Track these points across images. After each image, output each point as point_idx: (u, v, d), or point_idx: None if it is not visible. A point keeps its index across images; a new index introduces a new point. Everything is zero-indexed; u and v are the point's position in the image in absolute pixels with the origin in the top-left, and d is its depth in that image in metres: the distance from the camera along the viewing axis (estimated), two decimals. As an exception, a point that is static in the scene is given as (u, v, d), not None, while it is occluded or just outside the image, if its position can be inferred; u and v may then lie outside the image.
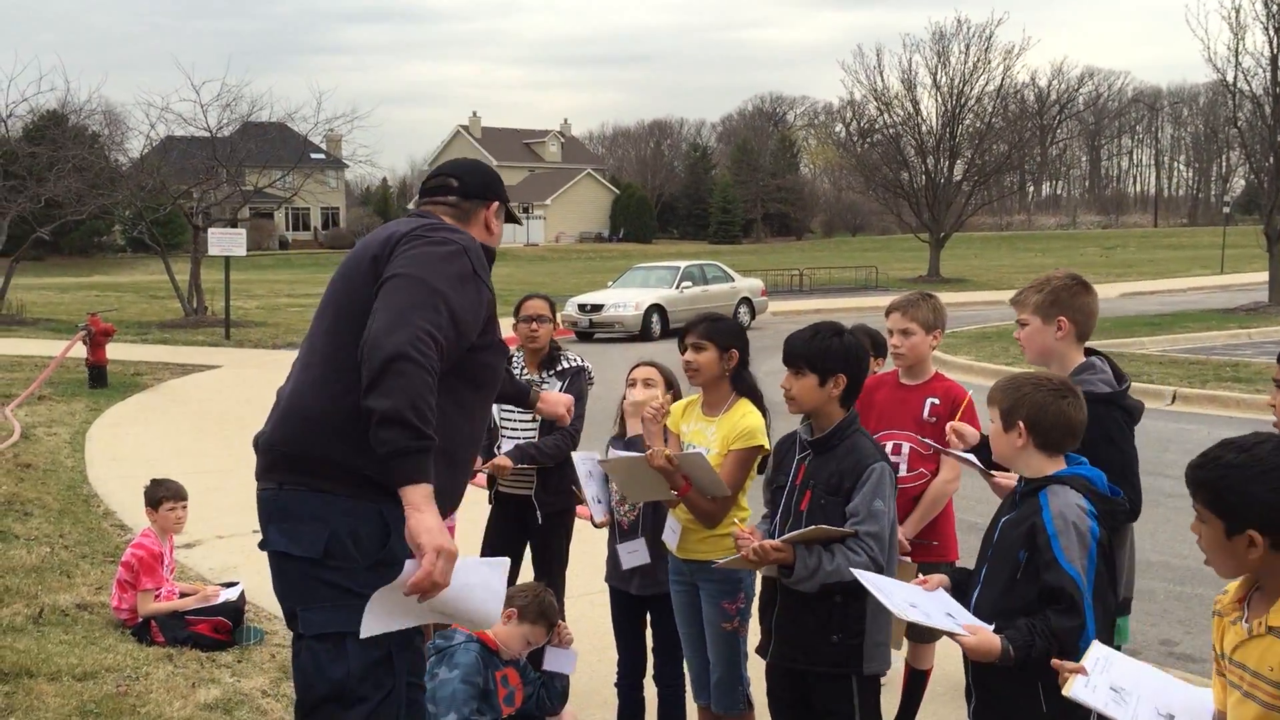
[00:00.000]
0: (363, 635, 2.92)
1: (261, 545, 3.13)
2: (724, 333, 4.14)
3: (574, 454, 4.81)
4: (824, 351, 3.58)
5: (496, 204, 3.43)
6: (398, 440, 2.73)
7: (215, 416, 13.80)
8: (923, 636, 4.74)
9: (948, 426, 3.96)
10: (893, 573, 3.50)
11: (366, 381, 2.78)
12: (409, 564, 2.83)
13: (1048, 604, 2.97)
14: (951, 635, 3.02)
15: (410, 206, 5.06)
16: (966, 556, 3.99)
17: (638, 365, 4.59)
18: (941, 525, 4.64)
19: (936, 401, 4.58)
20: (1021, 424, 3.16)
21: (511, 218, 3.54)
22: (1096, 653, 2.74)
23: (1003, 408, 3.19)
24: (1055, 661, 2.72)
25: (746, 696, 4.19)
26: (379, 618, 2.92)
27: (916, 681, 4.78)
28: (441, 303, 2.91)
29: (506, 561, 3.31)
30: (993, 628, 3.00)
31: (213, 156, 27.20)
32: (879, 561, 3.44)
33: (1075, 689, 2.62)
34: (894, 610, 3.09)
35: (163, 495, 6.29)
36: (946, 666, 5.50)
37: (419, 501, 2.75)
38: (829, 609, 3.52)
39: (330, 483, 2.92)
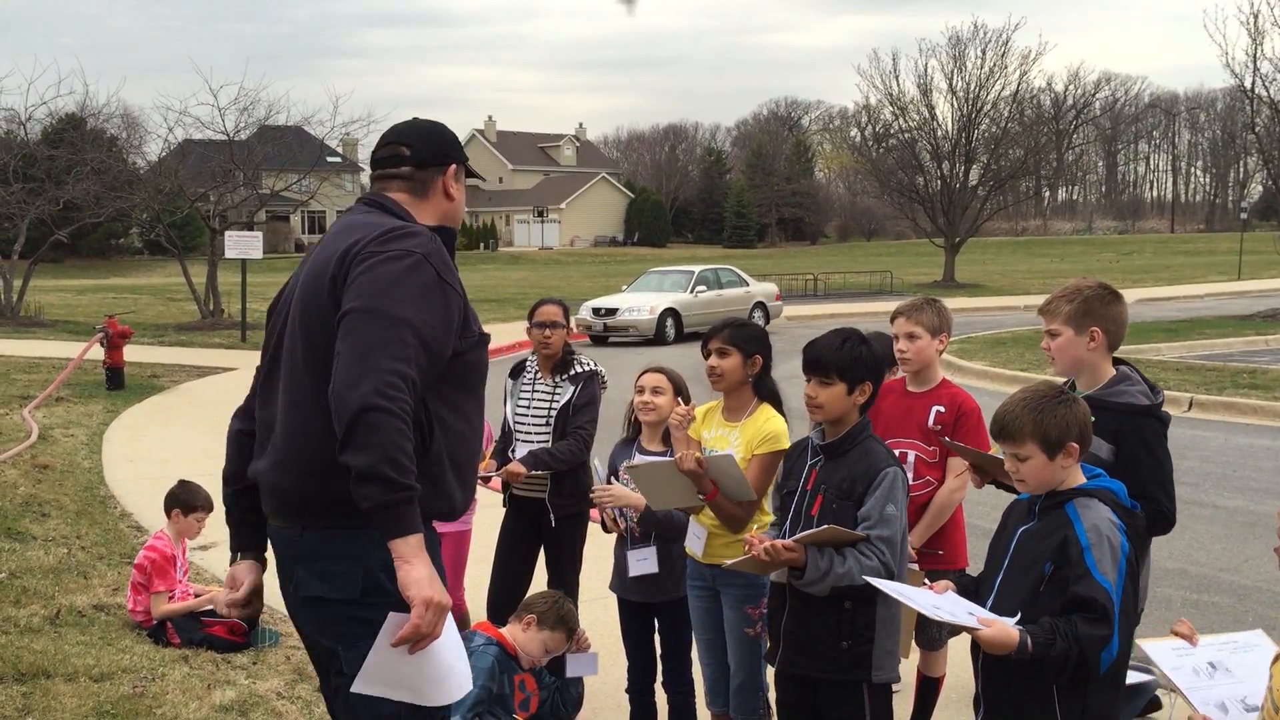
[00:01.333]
0: (354, 689, 2.82)
1: (295, 589, 3.02)
2: (748, 339, 4.14)
3: (594, 459, 4.81)
4: (854, 360, 3.58)
5: (454, 166, 3.18)
6: (378, 496, 2.64)
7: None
8: (933, 644, 4.73)
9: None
10: (902, 578, 3.49)
11: (339, 436, 2.67)
12: (392, 616, 2.75)
13: (1076, 612, 2.95)
14: (968, 629, 3.01)
15: (365, 181, 4.96)
16: (976, 563, 3.97)
17: (646, 372, 4.58)
18: (950, 533, 4.61)
19: (942, 409, 4.55)
20: (1074, 445, 3.11)
21: (471, 174, 3.31)
22: (1248, 637, 2.76)
23: (1049, 436, 3.08)
24: (1181, 620, 2.72)
25: (766, 702, 4.19)
26: (373, 678, 2.81)
27: (929, 689, 4.77)
28: (408, 333, 2.75)
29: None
30: (1013, 620, 2.99)
31: (230, 160, 27.30)
32: (890, 566, 3.42)
33: (1154, 645, 2.64)
34: (920, 609, 3.09)
35: (198, 505, 6.29)
36: (960, 675, 5.49)
37: (407, 554, 2.66)
38: (838, 615, 3.50)
39: (350, 519, 2.79)
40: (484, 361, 3.07)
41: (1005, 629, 2.94)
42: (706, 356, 4.15)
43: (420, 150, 3.15)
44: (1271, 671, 2.52)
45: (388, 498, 2.63)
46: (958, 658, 4.89)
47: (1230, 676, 2.63)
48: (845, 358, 3.57)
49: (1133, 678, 3.87)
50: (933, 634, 4.70)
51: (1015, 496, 3.51)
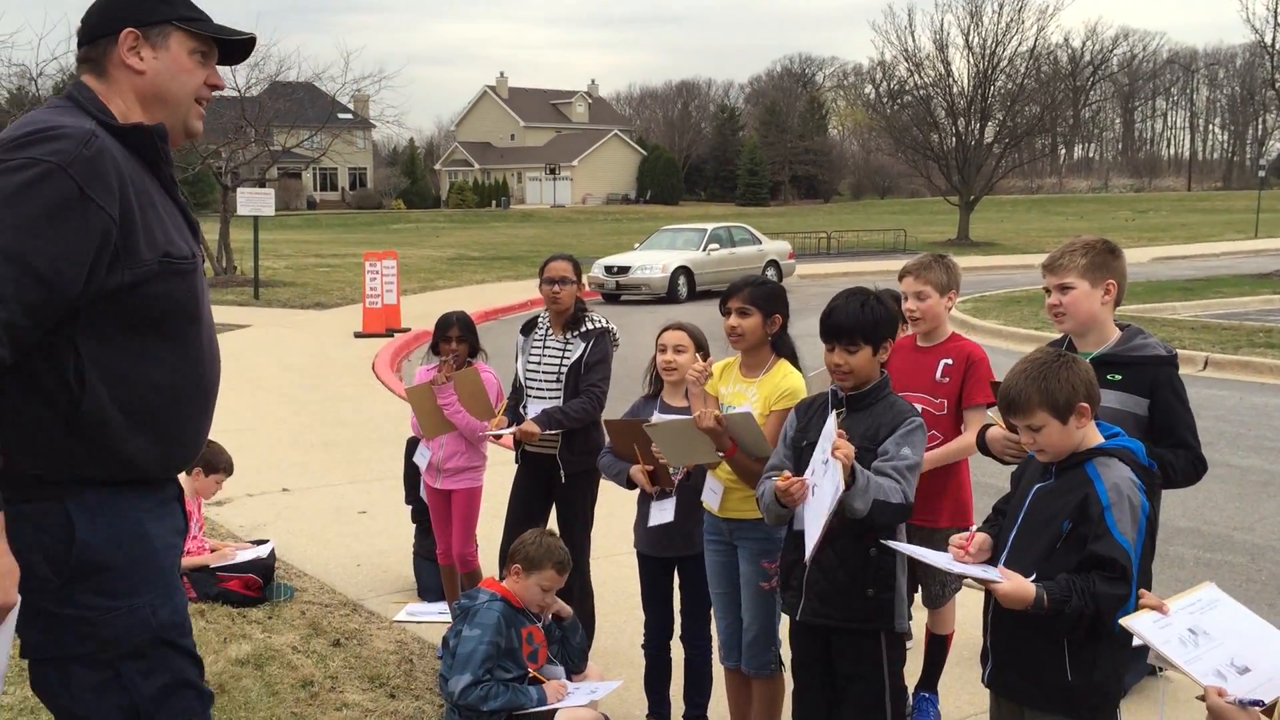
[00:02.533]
0: None
1: None
2: (768, 297, 4.12)
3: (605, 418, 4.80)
4: (876, 322, 3.57)
5: (128, 31, 2.53)
6: None
7: (245, 375, 13.90)
8: (937, 601, 4.74)
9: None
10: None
11: None
12: None
13: (1094, 570, 2.95)
14: (986, 581, 3.03)
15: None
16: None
17: (666, 329, 4.55)
18: (955, 493, 4.59)
19: (950, 362, 4.56)
20: (1084, 405, 3.09)
21: (202, 26, 2.60)
22: (1205, 594, 2.74)
23: (1057, 402, 3.05)
24: (1144, 593, 2.74)
25: (778, 657, 4.21)
26: None
27: (938, 646, 4.78)
28: (12, 267, 2.25)
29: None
30: (1032, 578, 3.00)
31: (241, 116, 27.21)
32: (909, 498, 3.43)
33: (1135, 621, 2.68)
34: (938, 565, 3.14)
35: (221, 467, 6.32)
36: (972, 632, 5.51)
37: None
38: (863, 562, 3.53)
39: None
40: (180, 293, 2.52)
41: (1022, 583, 2.95)
42: (726, 315, 4.13)
43: (89, 19, 2.59)
44: None
45: None
46: (964, 615, 4.90)
47: (1211, 640, 2.64)
48: (868, 321, 3.56)
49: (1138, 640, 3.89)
50: (935, 591, 4.71)
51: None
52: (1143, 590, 2.85)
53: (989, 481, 5.26)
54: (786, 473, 3.54)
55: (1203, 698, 2.51)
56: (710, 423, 3.93)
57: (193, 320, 2.57)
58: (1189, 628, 2.65)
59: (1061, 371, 3.08)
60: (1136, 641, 3.60)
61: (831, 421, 3.38)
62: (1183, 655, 2.59)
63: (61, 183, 2.31)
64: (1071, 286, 3.83)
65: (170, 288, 2.48)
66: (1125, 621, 2.74)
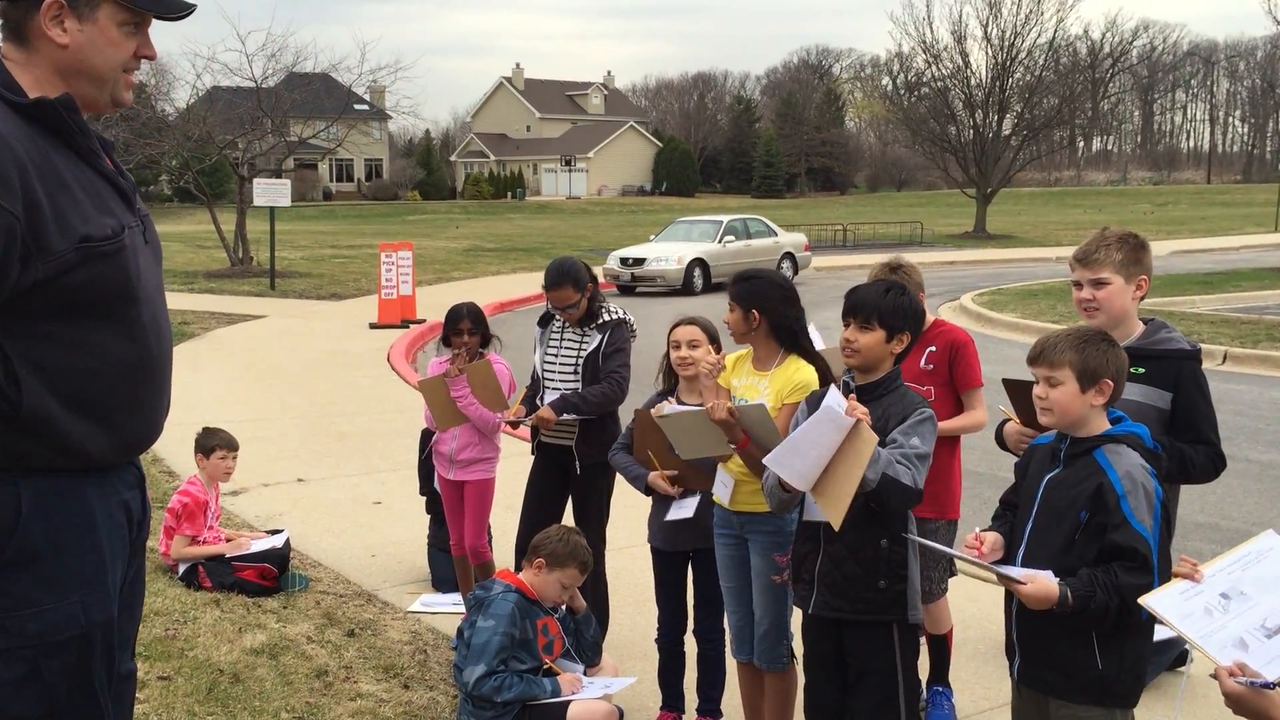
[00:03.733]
0: None
1: None
2: (743, 294, 4.09)
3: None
4: (896, 308, 3.56)
5: (55, 0, 2.35)
6: None
7: (261, 366, 13.94)
8: (930, 596, 4.69)
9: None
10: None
11: None
12: None
13: (1115, 561, 2.96)
14: (1008, 581, 3.03)
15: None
16: (970, 514, 3.93)
17: (679, 325, 4.51)
18: (946, 482, 4.57)
19: (934, 349, 4.57)
20: (1109, 381, 3.10)
21: (140, 5, 2.44)
22: (1260, 544, 2.67)
23: (1088, 366, 3.07)
24: (1183, 559, 2.71)
25: (790, 651, 4.20)
26: None
27: (939, 646, 4.75)
28: None
29: None
30: (1049, 573, 3.00)
31: (258, 107, 27.27)
32: (919, 484, 3.42)
33: (1155, 600, 2.65)
34: (970, 561, 3.14)
35: (215, 444, 6.38)
36: (988, 627, 5.48)
37: None
38: (874, 554, 3.52)
39: None
40: (109, 276, 2.35)
41: (1045, 584, 2.95)
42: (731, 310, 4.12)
43: None
44: None
45: None
46: (980, 610, 4.87)
47: (1245, 600, 2.55)
48: (888, 305, 3.56)
49: (1161, 633, 3.86)
50: (927, 587, 4.68)
51: (1017, 456, 3.50)
52: (1183, 556, 2.81)
53: (1001, 475, 5.24)
54: None
55: (1215, 676, 2.45)
56: (723, 414, 3.90)
57: (128, 300, 2.40)
58: (1222, 592, 2.59)
59: (1102, 344, 3.12)
60: (1161, 634, 3.59)
61: (834, 394, 3.36)
62: (1201, 629, 2.52)
63: None
64: (1107, 281, 3.78)
65: (95, 272, 2.31)
66: (1145, 600, 2.71)
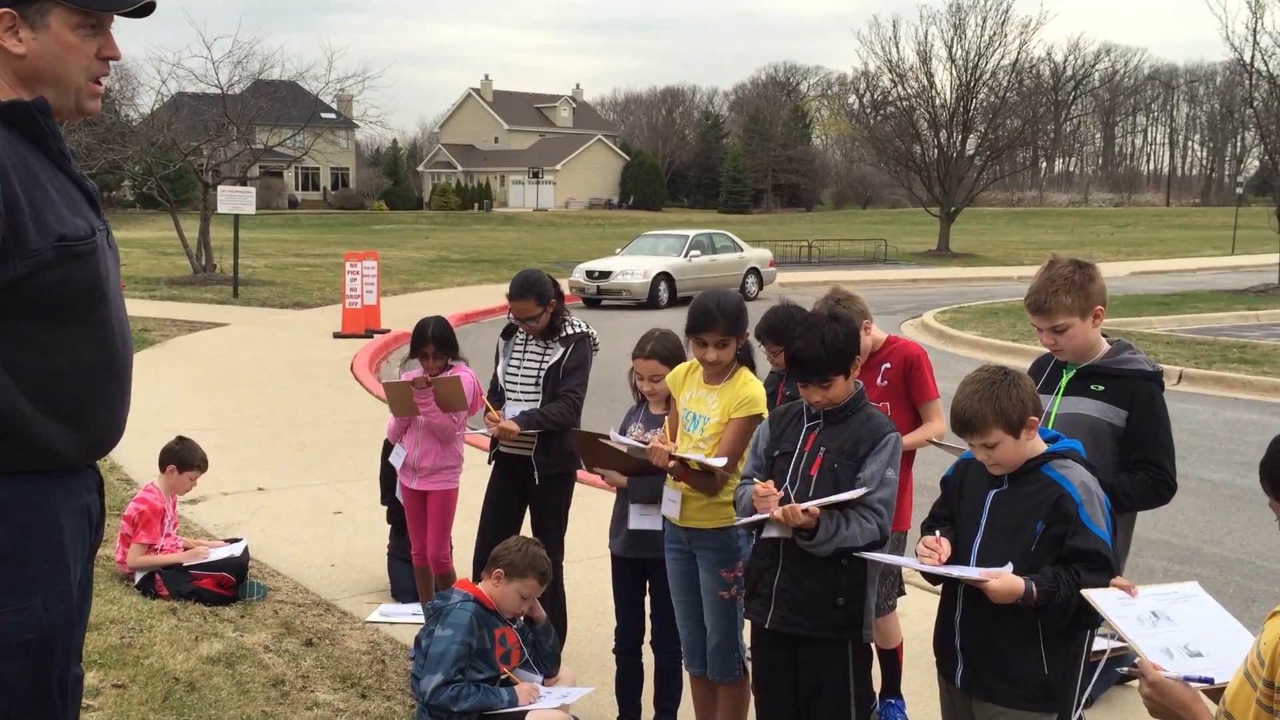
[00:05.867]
0: None
1: None
2: (739, 324, 4.16)
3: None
4: (840, 353, 3.57)
5: (7, 12, 2.35)
6: None
7: (223, 374, 13.85)
8: (880, 610, 4.74)
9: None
10: (897, 542, 3.56)
11: None
12: None
13: (1076, 563, 3.08)
14: (975, 582, 3.11)
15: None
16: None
17: (638, 359, 4.52)
18: (900, 494, 4.62)
19: (889, 365, 4.66)
20: (1034, 417, 3.23)
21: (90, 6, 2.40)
22: (1185, 589, 2.80)
23: (1011, 419, 3.17)
24: (1117, 579, 2.85)
25: (742, 664, 4.23)
26: None
27: (890, 660, 4.80)
28: None
29: None
30: (1010, 568, 3.10)
31: (223, 114, 27.10)
32: (885, 531, 3.51)
33: (1098, 595, 2.79)
34: (924, 569, 3.22)
35: (195, 464, 6.32)
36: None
37: None
38: (834, 573, 3.56)
39: None
40: (82, 276, 2.37)
41: (1011, 579, 3.07)
42: (700, 346, 4.16)
43: None
44: (1265, 625, 2.52)
45: None
46: (930, 625, 4.92)
47: (1172, 625, 2.71)
48: (835, 353, 3.55)
49: (1104, 644, 3.94)
50: (875, 602, 4.73)
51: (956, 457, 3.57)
52: (1117, 578, 2.95)
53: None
54: (765, 485, 3.57)
55: (1136, 669, 2.49)
56: (663, 461, 4.00)
57: (98, 301, 2.41)
58: (1152, 610, 2.73)
59: (1011, 390, 3.21)
60: (1104, 644, 3.68)
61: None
62: (1134, 630, 2.65)
63: None
64: (1065, 326, 3.87)
65: (69, 272, 2.33)
66: (1087, 592, 2.84)
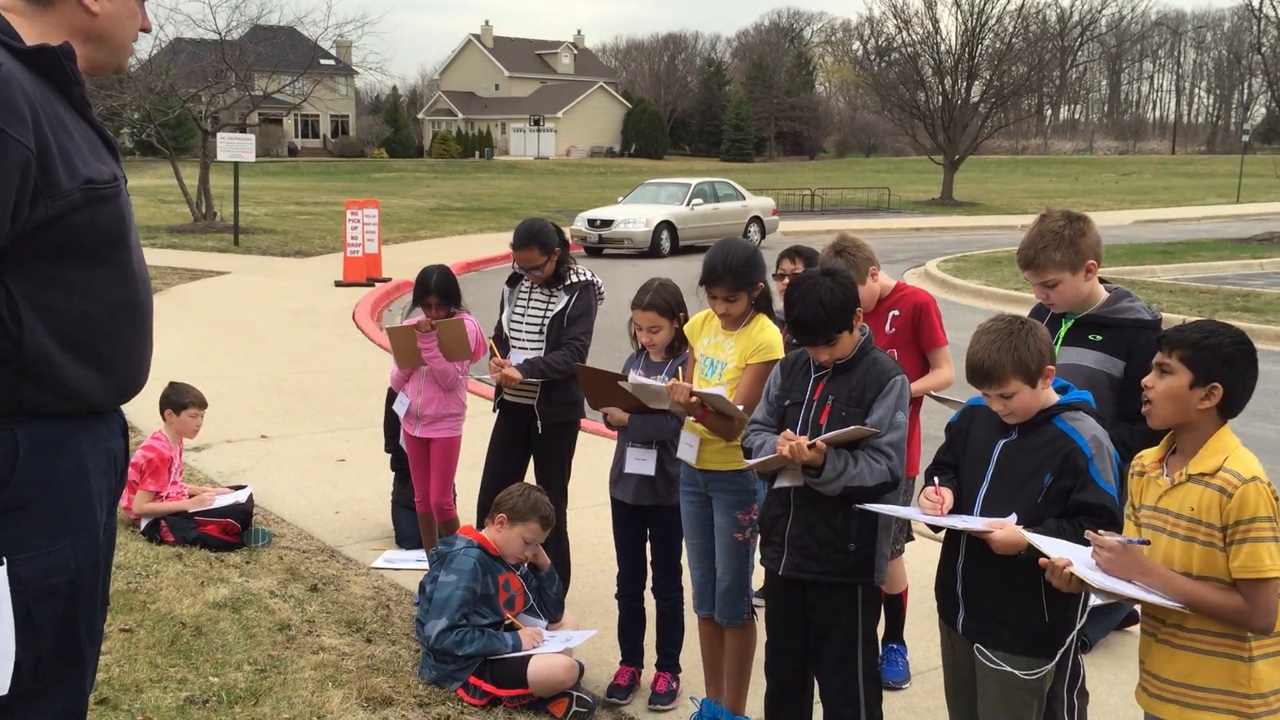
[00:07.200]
0: None
1: None
2: (748, 278, 4.11)
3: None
4: (844, 310, 3.55)
5: None
6: None
7: (225, 322, 13.85)
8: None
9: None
10: (909, 486, 3.57)
11: None
12: None
13: (1081, 516, 3.09)
14: (978, 532, 3.13)
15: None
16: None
17: (639, 310, 4.48)
18: (908, 441, 4.65)
19: (897, 313, 4.64)
20: (1049, 368, 3.22)
21: None
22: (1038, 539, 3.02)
23: (1030, 368, 3.18)
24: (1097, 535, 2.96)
25: (751, 607, 4.27)
26: None
27: (894, 605, 4.84)
28: None
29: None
30: (1014, 519, 3.12)
31: (222, 60, 26.88)
32: (896, 473, 3.52)
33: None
34: (927, 520, 3.25)
35: (188, 402, 6.35)
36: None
37: None
38: (845, 519, 3.58)
39: None
40: (107, 219, 2.41)
41: (1015, 530, 3.07)
42: (712, 298, 4.14)
43: None
44: (1129, 487, 3.10)
45: None
46: (932, 571, 4.96)
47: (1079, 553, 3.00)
48: (835, 312, 3.54)
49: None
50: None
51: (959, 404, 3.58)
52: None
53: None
54: (791, 434, 3.56)
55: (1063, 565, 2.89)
56: (684, 397, 3.98)
57: (121, 246, 2.46)
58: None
59: (1029, 339, 3.20)
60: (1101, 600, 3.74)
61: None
62: (1054, 547, 2.97)
63: None
64: (1056, 281, 3.86)
65: (95, 215, 2.36)
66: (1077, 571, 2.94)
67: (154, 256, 20.01)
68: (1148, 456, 3.04)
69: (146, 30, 2.62)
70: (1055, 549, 2.94)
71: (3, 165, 2.17)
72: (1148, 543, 2.91)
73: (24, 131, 2.20)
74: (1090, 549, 2.94)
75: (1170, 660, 2.94)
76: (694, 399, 3.98)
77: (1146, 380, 2.90)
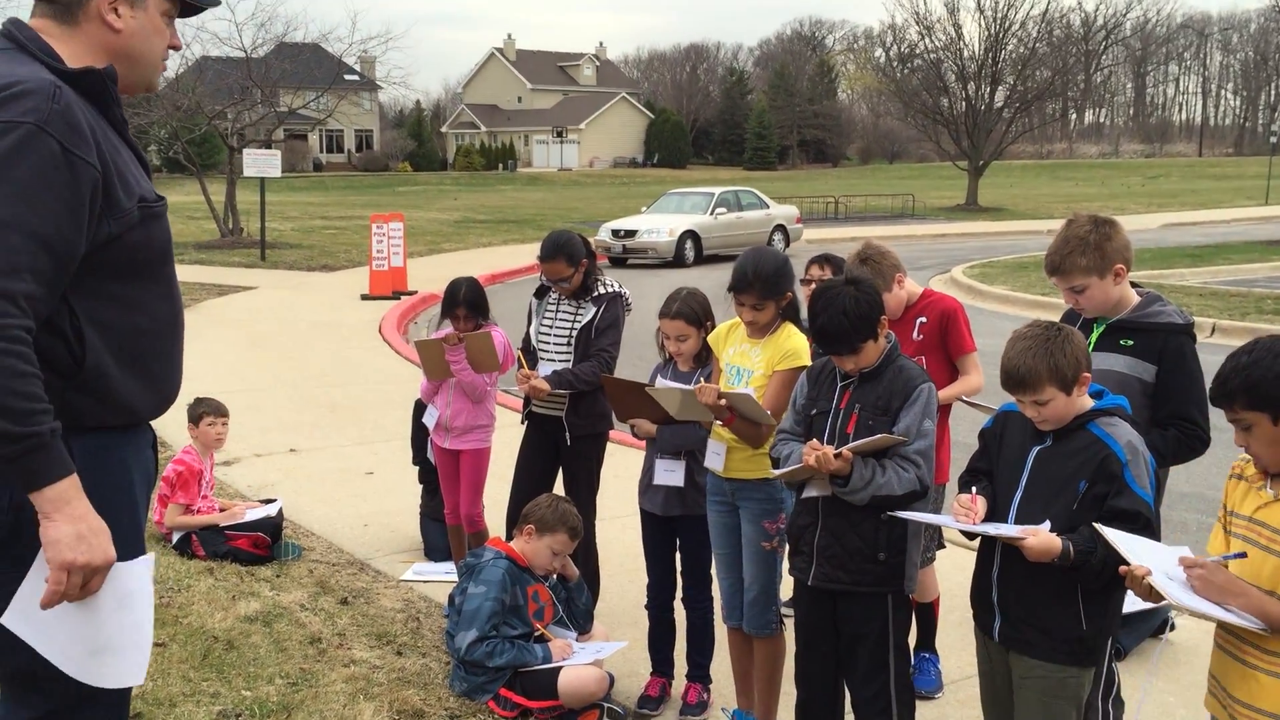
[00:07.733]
0: (3, 620, 2.35)
1: None
2: (777, 287, 4.11)
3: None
4: (868, 319, 3.54)
5: None
6: None
7: (253, 337, 13.94)
8: (919, 563, 4.76)
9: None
10: (938, 493, 3.54)
11: None
12: (37, 566, 2.31)
13: (1116, 523, 3.03)
14: (1012, 539, 3.10)
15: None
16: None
17: (665, 318, 4.50)
18: (937, 449, 4.62)
19: (924, 320, 4.62)
20: (1085, 375, 3.18)
21: (191, 8, 2.63)
22: (1122, 542, 2.90)
23: (1065, 375, 3.13)
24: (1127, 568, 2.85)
25: (779, 617, 4.25)
26: (23, 615, 2.35)
27: (926, 614, 4.82)
28: (18, 237, 2.18)
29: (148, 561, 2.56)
30: (1048, 526, 3.08)
31: (247, 76, 27.10)
32: (925, 481, 3.50)
33: (1108, 531, 2.90)
34: (960, 528, 3.21)
35: (203, 410, 6.41)
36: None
37: (46, 507, 2.24)
38: (874, 528, 3.56)
39: None
40: (158, 236, 2.50)
41: (1049, 537, 3.04)
42: (739, 306, 4.14)
43: None
44: (1226, 488, 2.95)
45: (8, 451, 2.18)
46: (964, 579, 4.94)
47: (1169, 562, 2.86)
48: (859, 322, 3.52)
49: (1137, 605, 3.92)
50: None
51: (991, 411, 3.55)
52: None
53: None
54: (818, 444, 3.55)
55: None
56: (712, 399, 3.97)
57: (167, 261, 2.56)
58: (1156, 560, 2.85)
59: (1065, 346, 3.16)
60: (1138, 605, 3.70)
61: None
62: (1140, 558, 2.83)
63: (43, 143, 2.22)
64: (1084, 287, 3.83)
65: (150, 232, 2.46)
66: (1100, 526, 2.92)
67: (182, 272, 20.07)
68: (1249, 463, 2.87)
69: (176, 48, 2.66)
70: (1133, 551, 2.82)
71: (76, 186, 2.26)
72: (1243, 555, 2.75)
73: (89, 152, 2.29)
74: (1164, 549, 2.86)
75: (1259, 688, 2.74)
76: (721, 401, 3.98)
77: (1237, 441, 2.78)
